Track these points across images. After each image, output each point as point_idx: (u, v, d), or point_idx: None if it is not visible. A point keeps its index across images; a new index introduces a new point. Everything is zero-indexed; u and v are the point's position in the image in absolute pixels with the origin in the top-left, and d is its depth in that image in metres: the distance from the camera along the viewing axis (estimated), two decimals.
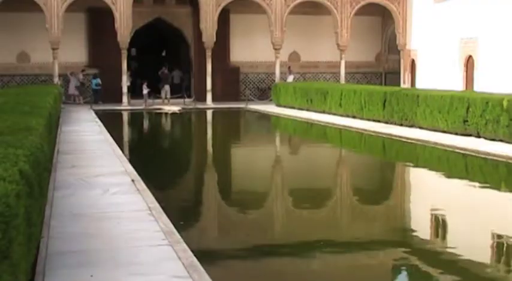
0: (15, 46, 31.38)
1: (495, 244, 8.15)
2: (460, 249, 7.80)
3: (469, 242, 8.13)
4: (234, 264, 7.37)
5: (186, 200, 11.51)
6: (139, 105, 31.04)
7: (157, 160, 16.16)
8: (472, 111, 16.50)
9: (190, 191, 12.69)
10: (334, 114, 24.41)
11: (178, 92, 32.98)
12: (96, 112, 26.81)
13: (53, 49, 29.28)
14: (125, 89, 30.44)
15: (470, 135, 16.65)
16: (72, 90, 31.42)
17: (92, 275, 5.55)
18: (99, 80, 31.37)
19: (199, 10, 30.66)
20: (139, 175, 10.77)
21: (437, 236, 8.60)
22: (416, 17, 31.18)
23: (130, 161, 12.56)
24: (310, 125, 23.44)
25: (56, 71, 29.69)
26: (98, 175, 10.75)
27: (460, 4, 27.36)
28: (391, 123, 20.43)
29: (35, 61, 31.80)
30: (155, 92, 32.58)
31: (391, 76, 34.78)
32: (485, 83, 24.36)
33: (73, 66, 31.85)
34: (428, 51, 29.97)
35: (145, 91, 31.54)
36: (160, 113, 29.35)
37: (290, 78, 33.04)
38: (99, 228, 7.21)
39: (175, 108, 29.83)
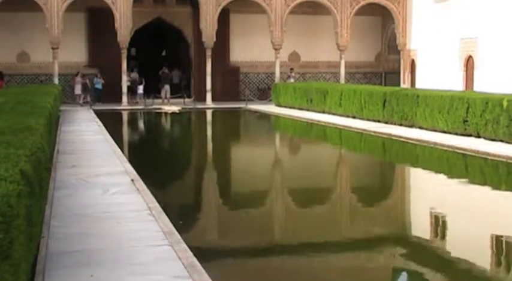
0: (15, 46, 31.40)
1: (495, 243, 8.16)
2: (459, 249, 7.81)
3: (469, 242, 8.13)
4: (234, 264, 7.37)
5: (186, 200, 11.51)
6: (139, 105, 31.09)
7: (157, 159, 16.16)
8: (472, 111, 16.50)
9: (190, 190, 12.69)
10: (334, 114, 24.42)
11: (177, 91, 32.99)
12: (96, 112, 26.82)
13: (53, 49, 29.30)
14: (124, 89, 30.47)
15: (470, 135, 16.66)
16: (78, 90, 31.55)
17: (92, 275, 5.56)
18: (102, 80, 31.48)
19: (199, 10, 30.66)
20: (139, 174, 10.77)
21: (436, 236, 8.61)
22: (416, 17, 31.18)
23: (130, 161, 12.56)
24: (310, 125, 23.44)
25: (56, 71, 29.72)
26: (98, 175, 10.76)
27: (460, 4, 27.36)
28: (391, 123, 20.44)
29: (35, 61, 31.82)
30: (155, 92, 32.62)
31: (391, 76, 34.78)
32: (485, 83, 24.37)
33: (73, 66, 31.87)
34: (428, 51, 29.97)
35: (140, 91, 31.69)
36: (160, 113, 29.37)
37: (291, 80, 33.06)
38: (99, 228, 7.21)
39: (175, 108, 29.85)
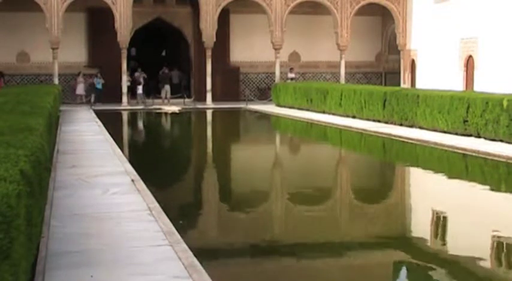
0: (15, 46, 31.41)
1: (495, 244, 8.15)
2: (460, 249, 7.81)
3: (469, 243, 8.13)
4: (234, 264, 7.37)
5: (186, 200, 11.51)
6: (139, 105, 31.10)
7: (157, 159, 16.16)
8: (472, 111, 16.50)
9: (190, 191, 12.69)
10: (334, 114, 24.41)
11: (177, 92, 32.99)
12: (96, 112, 26.82)
13: (53, 49, 29.30)
14: (124, 89, 30.47)
15: (470, 135, 16.65)
16: (80, 90, 31.62)
17: (92, 276, 5.56)
18: (103, 80, 31.52)
19: (199, 10, 30.67)
20: (139, 175, 10.77)
21: (437, 236, 8.61)
22: (416, 17, 31.18)
23: (130, 161, 12.56)
24: (310, 125, 23.43)
25: (56, 71, 29.73)
26: (98, 175, 10.76)
27: (460, 4, 27.36)
28: (391, 123, 20.43)
29: (34, 61, 31.82)
30: (155, 92, 32.64)
31: (391, 76, 34.79)
32: (485, 83, 24.36)
33: (73, 66, 31.89)
34: (428, 51, 29.97)
35: (139, 91, 31.71)
36: (160, 113, 29.37)
37: (289, 75, 33.17)
38: (99, 228, 7.21)
39: (175, 108, 29.85)
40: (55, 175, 10.75)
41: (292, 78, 33.06)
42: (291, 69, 33.57)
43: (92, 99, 31.10)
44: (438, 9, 29.01)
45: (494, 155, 13.92)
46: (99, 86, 31.63)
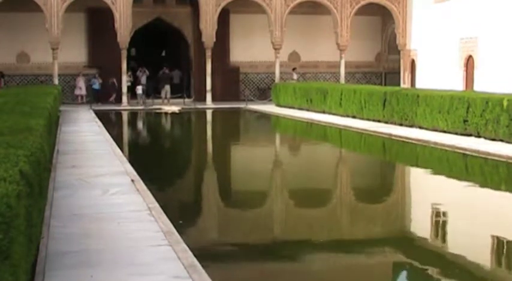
0: (15, 46, 31.42)
1: (495, 244, 8.15)
2: (460, 249, 7.81)
3: (469, 243, 8.13)
4: (234, 264, 7.37)
5: (186, 200, 11.51)
6: (139, 105, 31.10)
7: (157, 160, 16.16)
8: (472, 111, 16.50)
9: (190, 191, 12.69)
10: (334, 114, 24.41)
11: (177, 92, 32.99)
12: (96, 112, 26.83)
13: (53, 49, 29.30)
14: (124, 89, 30.48)
15: (470, 135, 16.65)
16: (78, 91, 31.64)
17: (92, 276, 5.56)
18: (101, 80, 31.58)
19: (199, 10, 30.67)
20: (139, 175, 10.77)
21: (437, 236, 8.60)
22: (416, 17, 31.18)
23: (130, 161, 12.56)
24: (310, 125, 23.43)
25: (56, 71, 29.72)
26: (98, 175, 10.75)
27: (460, 4, 27.36)
28: (391, 123, 20.43)
29: (34, 61, 31.83)
30: (155, 92, 32.64)
31: (391, 76, 34.78)
32: (485, 83, 24.36)
33: (73, 66, 31.88)
34: (428, 51, 29.97)
35: (139, 91, 31.72)
36: (160, 113, 29.37)
37: (294, 77, 33.23)
38: (99, 228, 7.21)
39: (175, 108, 29.85)
40: (55, 175, 10.75)
41: (297, 80, 33.06)
42: (294, 69, 33.56)
43: (112, 98, 31.31)
44: (438, 9, 29.01)
45: (494, 155, 13.92)
46: (97, 87, 31.65)
